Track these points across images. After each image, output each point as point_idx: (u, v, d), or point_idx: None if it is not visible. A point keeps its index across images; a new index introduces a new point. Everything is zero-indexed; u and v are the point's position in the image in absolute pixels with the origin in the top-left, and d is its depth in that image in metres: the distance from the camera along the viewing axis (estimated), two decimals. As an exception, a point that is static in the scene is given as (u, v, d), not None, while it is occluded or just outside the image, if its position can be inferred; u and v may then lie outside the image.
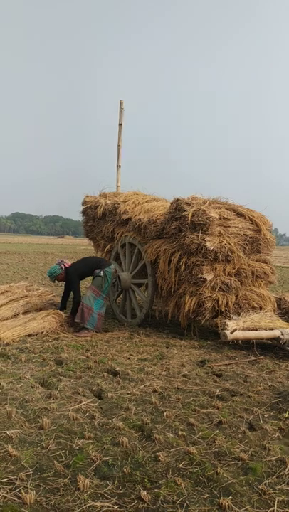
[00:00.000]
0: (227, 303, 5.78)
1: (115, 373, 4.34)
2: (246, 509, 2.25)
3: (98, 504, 2.23)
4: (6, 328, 5.62)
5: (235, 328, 5.23)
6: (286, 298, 6.88)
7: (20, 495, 2.26)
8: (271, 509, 2.26)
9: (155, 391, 3.86)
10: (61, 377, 4.10)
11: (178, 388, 3.97)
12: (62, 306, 6.54)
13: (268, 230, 6.34)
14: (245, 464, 2.70)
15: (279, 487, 2.46)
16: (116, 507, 2.23)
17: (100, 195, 8.07)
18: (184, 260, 5.82)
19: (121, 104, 8.69)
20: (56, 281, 6.55)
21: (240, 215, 6.23)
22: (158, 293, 6.53)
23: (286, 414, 3.45)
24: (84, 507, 2.20)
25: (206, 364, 4.81)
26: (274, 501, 2.32)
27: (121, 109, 8.67)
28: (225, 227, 5.95)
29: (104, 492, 2.35)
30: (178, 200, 6.07)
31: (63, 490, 2.35)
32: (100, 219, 7.57)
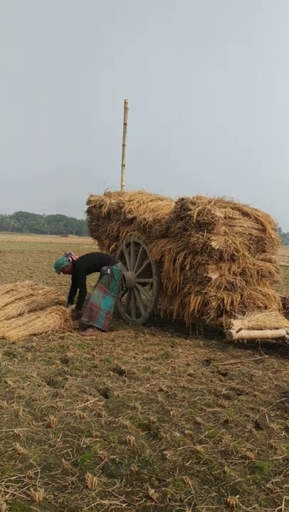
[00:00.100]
0: (232, 302, 5.79)
1: (121, 372, 4.35)
2: (254, 508, 2.26)
3: (106, 502, 2.25)
4: (11, 327, 5.65)
5: (240, 327, 5.24)
6: (291, 297, 6.88)
7: (29, 492, 2.27)
8: (279, 508, 2.27)
9: (161, 390, 3.87)
10: (67, 376, 4.11)
11: (184, 387, 3.99)
12: (70, 300, 6.55)
13: (273, 229, 6.34)
14: (252, 462, 2.71)
15: (286, 486, 2.47)
16: (124, 505, 2.24)
17: (104, 194, 8.10)
18: (189, 259, 5.83)
19: (125, 103, 8.70)
20: (61, 273, 6.49)
21: (245, 214, 6.23)
22: (163, 292, 6.53)
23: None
24: (92, 505, 2.21)
25: (211, 363, 4.82)
26: (281, 500, 2.33)
27: (125, 109, 8.68)
28: (230, 226, 5.96)
29: (113, 490, 2.36)
30: (183, 199, 6.08)
31: (71, 488, 2.36)
32: (105, 218, 7.59)
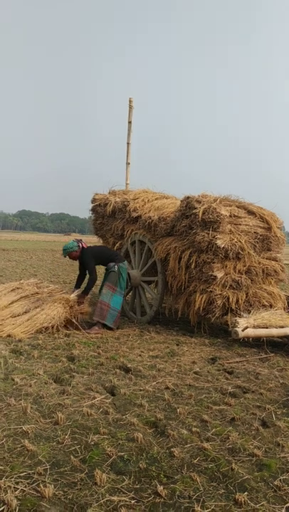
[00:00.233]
0: (237, 300, 5.80)
1: (127, 370, 4.37)
2: (262, 504, 2.27)
3: (116, 498, 2.26)
4: (17, 324, 5.67)
5: (246, 325, 5.24)
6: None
7: (38, 489, 2.29)
8: (287, 505, 2.28)
9: (167, 388, 3.88)
10: (74, 374, 4.13)
11: (190, 385, 4.00)
12: (77, 286, 6.53)
13: (278, 227, 6.34)
14: (259, 460, 2.72)
15: (294, 483, 2.48)
16: (133, 501, 2.26)
17: (109, 192, 8.11)
18: (194, 258, 5.84)
19: (130, 101, 8.71)
20: (67, 257, 6.41)
21: (250, 212, 6.24)
22: (168, 290, 6.55)
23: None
24: (102, 501, 2.23)
25: (217, 361, 4.83)
26: (289, 497, 2.34)
27: (130, 107, 8.69)
28: (235, 224, 5.96)
29: (121, 487, 2.37)
30: (188, 197, 6.09)
31: (81, 484, 2.38)
32: (110, 217, 7.60)
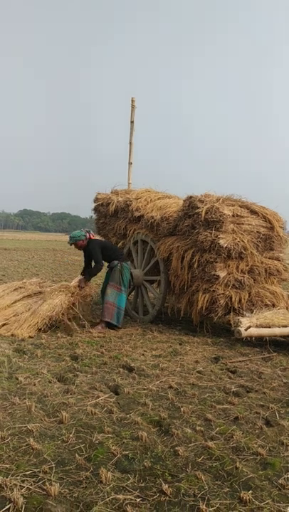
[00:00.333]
0: (240, 300, 5.80)
1: (130, 369, 4.38)
2: (267, 503, 2.28)
3: (121, 497, 2.27)
4: (22, 320, 5.67)
5: (249, 325, 5.25)
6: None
7: (44, 487, 2.30)
8: (292, 503, 2.29)
9: (171, 387, 3.90)
10: (77, 373, 4.14)
11: (193, 384, 4.01)
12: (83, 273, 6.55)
13: (280, 227, 6.35)
14: (263, 459, 2.73)
15: (298, 482, 2.49)
16: (138, 500, 2.27)
17: (111, 192, 8.12)
18: (197, 257, 5.85)
19: (132, 101, 8.71)
20: (73, 246, 6.39)
21: (253, 212, 6.24)
22: (170, 290, 6.56)
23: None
24: (107, 499, 2.24)
25: (220, 361, 4.84)
26: (294, 496, 2.35)
27: (132, 107, 8.69)
28: (238, 224, 5.97)
29: (126, 485, 2.38)
30: (191, 197, 6.09)
31: (86, 483, 2.39)
32: (112, 216, 7.61)
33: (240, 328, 5.28)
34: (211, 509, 2.21)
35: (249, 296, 5.93)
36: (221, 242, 5.67)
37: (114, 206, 7.48)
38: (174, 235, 6.35)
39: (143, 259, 6.98)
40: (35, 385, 3.76)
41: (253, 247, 5.96)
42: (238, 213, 6.01)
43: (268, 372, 4.47)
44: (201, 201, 5.96)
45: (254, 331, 5.32)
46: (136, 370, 4.34)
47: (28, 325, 5.54)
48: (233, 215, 5.92)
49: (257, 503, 2.28)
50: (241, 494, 2.32)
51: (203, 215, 5.76)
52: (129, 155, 8.72)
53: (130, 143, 8.75)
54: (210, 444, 2.85)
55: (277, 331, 5.42)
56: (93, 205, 8.03)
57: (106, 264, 6.40)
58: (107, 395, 3.61)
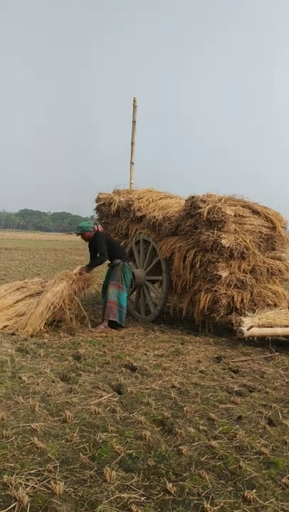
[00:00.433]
0: (242, 300, 5.81)
1: (133, 369, 4.39)
2: (271, 502, 2.29)
3: (125, 495, 2.28)
4: (23, 322, 5.68)
5: (251, 325, 5.26)
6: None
7: (49, 486, 2.31)
8: (295, 502, 2.30)
9: (173, 386, 3.91)
10: (80, 372, 4.15)
11: (196, 384, 4.02)
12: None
13: (282, 227, 6.36)
14: (267, 458, 2.74)
15: (302, 481, 2.49)
16: (143, 498, 2.28)
17: (113, 192, 8.12)
18: (199, 257, 5.86)
19: (134, 101, 8.72)
20: (79, 236, 6.39)
21: (255, 212, 6.25)
22: (172, 290, 6.57)
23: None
24: (112, 498, 2.25)
25: (222, 360, 4.85)
26: (298, 495, 2.36)
27: (134, 107, 8.69)
28: (240, 224, 5.98)
29: (131, 484, 2.40)
30: (193, 197, 6.10)
31: (90, 481, 2.40)
32: (114, 216, 7.61)
33: (242, 327, 5.28)
34: (215, 508, 2.22)
35: (251, 296, 5.94)
36: (223, 242, 5.68)
37: (116, 206, 7.48)
38: (176, 234, 6.36)
39: (145, 259, 6.99)
40: (38, 384, 3.77)
41: (255, 247, 5.97)
42: (240, 213, 6.01)
43: (270, 372, 4.48)
44: (203, 201, 5.96)
45: (256, 331, 5.32)
46: (138, 369, 4.35)
47: (35, 317, 5.55)
48: (235, 215, 5.92)
49: (261, 502, 2.29)
50: (245, 493, 2.33)
51: (205, 215, 5.77)
52: (131, 155, 8.73)
53: (132, 143, 8.75)
54: (213, 443, 2.86)
55: (279, 330, 5.42)
56: (95, 204, 8.03)
57: (107, 262, 6.41)
58: (110, 395, 3.62)
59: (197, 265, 5.86)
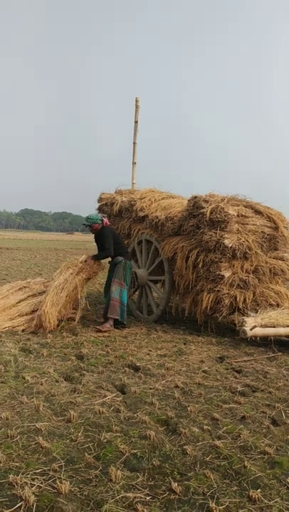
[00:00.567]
0: (245, 300, 5.81)
1: (136, 368, 4.39)
2: (276, 501, 2.30)
3: (131, 495, 2.29)
4: (47, 305, 5.72)
5: (254, 325, 5.27)
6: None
7: (55, 485, 2.32)
8: (300, 502, 2.30)
9: (177, 386, 3.91)
10: (84, 372, 4.16)
11: (199, 384, 4.02)
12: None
13: (285, 227, 6.36)
14: (271, 458, 2.74)
15: (306, 481, 2.50)
16: (148, 498, 2.29)
17: (115, 192, 8.13)
18: (201, 257, 5.86)
19: (136, 101, 8.72)
20: (87, 228, 6.43)
21: (257, 212, 6.25)
22: (175, 289, 6.57)
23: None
24: (117, 497, 2.26)
25: (225, 360, 4.85)
26: (302, 495, 2.37)
27: (136, 107, 8.70)
28: (243, 224, 5.98)
29: (136, 483, 2.40)
30: (196, 197, 6.11)
31: (96, 481, 2.41)
32: (116, 216, 7.62)
33: (245, 327, 5.29)
34: (220, 507, 2.22)
35: (254, 296, 5.94)
36: (226, 242, 5.68)
37: (118, 206, 7.50)
38: (178, 234, 6.36)
39: (147, 259, 7.00)
40: (42, 384, 3.78)
41: (257, 247, 5.98)
42: (243, 213, 6.02)
43: (273, 372, 4.49)
44: (206, 201, 5.97)
45: (259, 331, 5.33)
46: (142, 369, 4.36)
47: (48, 307, 5.60)
48: (237, 215, 5.93)
49: (266, 501, 2.30)
50: (250, 493, 2.34)
51: (208, 215, 5.78)
52: (133, 155, 8.74)
53: (134, 143, 8.76)
54: (217, 443, 2.87)
55: (282, 330, 5.43)
56: (97, 204, 8.05)
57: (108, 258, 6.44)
58: (113, 394, 3.63)
59: (200, 265, 5.87)
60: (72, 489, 2.32)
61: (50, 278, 8.44)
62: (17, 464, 2.51)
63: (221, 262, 5.73)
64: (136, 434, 2.96)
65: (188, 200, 6.26)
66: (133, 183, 8.60)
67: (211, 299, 5.75)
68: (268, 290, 6.10)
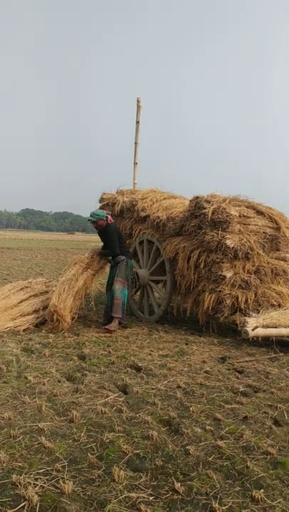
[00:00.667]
0: (246, 300, 5.82)
1: (138, 369, 4.40)
2: (279, 502, 2.30)
3: (134, 495, 2.29)
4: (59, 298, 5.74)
5: (256, 325, 5.27)
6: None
7: (58, 485, 2.32)
8: (303, 502, 2.30)
9: (179, 387, 3.91)
10: (86, 372, 4.16)
11: (201, 384, 4.02)
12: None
13: (287, 227, 6.36)
14: (274, 458, 2.74)
15: (309, 481, 2.50)
16: (151, 498, 2.29)
17: (117, 192, 8.14)
18: (203, 257, 5.87)
19: (138, 101, 8.72)
20: (92, 225, 6.44)
21: (259, 212, 6.25)
22: (176, 290, 6.57)
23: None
24: (120, 497, 2.26)
25: (226, 360, 4.85)
26: (305, 495, 2.37)
27: (138, 107, 8.70)
28: (245, 224, 5.98)
29: (139, 483, 2.41)
30: (198, 197, 6.11)
31: (99, 481, 2.41)
32: (118, 216, 7.62)
33: (247, 328, 5.29)
34: (223, 508, 2.22)
35: (255, 297, 5.94)
36: (228, 242, 5.69)
37: (119, 206, 7.50)
38: (180, 235, 6.36)
39: (149, 259, 7.00)
40: (44, 384, 3.78)
41: (259, 248, 5.98)
42: (245, 214, 6.02)
43: (275, 372, 4.49)
44: (208, 201, 5.97)
45: (261, 331, 5.33)
46: (144, 369, 4.36)
47: (58, 299, 5.66)
48: (239, 216, 5.93)
49: (269, 501, 2.30)
50: (253, 493, 2.34)
51: (209, 216, 5.78)
52: (134, 155, 8.74)
53: (135, 143, 8.77)
54: (220, 443, 2.87)
55: (283, 331, 5.43)
56: (99, 205, 8.05)
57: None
58: (116, 395, 3.63)
59: (201, 265, 5.87)
60: (76, 489, 2.32)
61: (51, 278, 8.46)
62: (20, 464, 2.52)
63: (222, 262, 5.73)
64: (138, 434, 2.96)
65: (190, 201, 6.27)
66: (134, 183, 8.61)
67: (212, 300, 5.75)
68: (270, 290, 6.10)
